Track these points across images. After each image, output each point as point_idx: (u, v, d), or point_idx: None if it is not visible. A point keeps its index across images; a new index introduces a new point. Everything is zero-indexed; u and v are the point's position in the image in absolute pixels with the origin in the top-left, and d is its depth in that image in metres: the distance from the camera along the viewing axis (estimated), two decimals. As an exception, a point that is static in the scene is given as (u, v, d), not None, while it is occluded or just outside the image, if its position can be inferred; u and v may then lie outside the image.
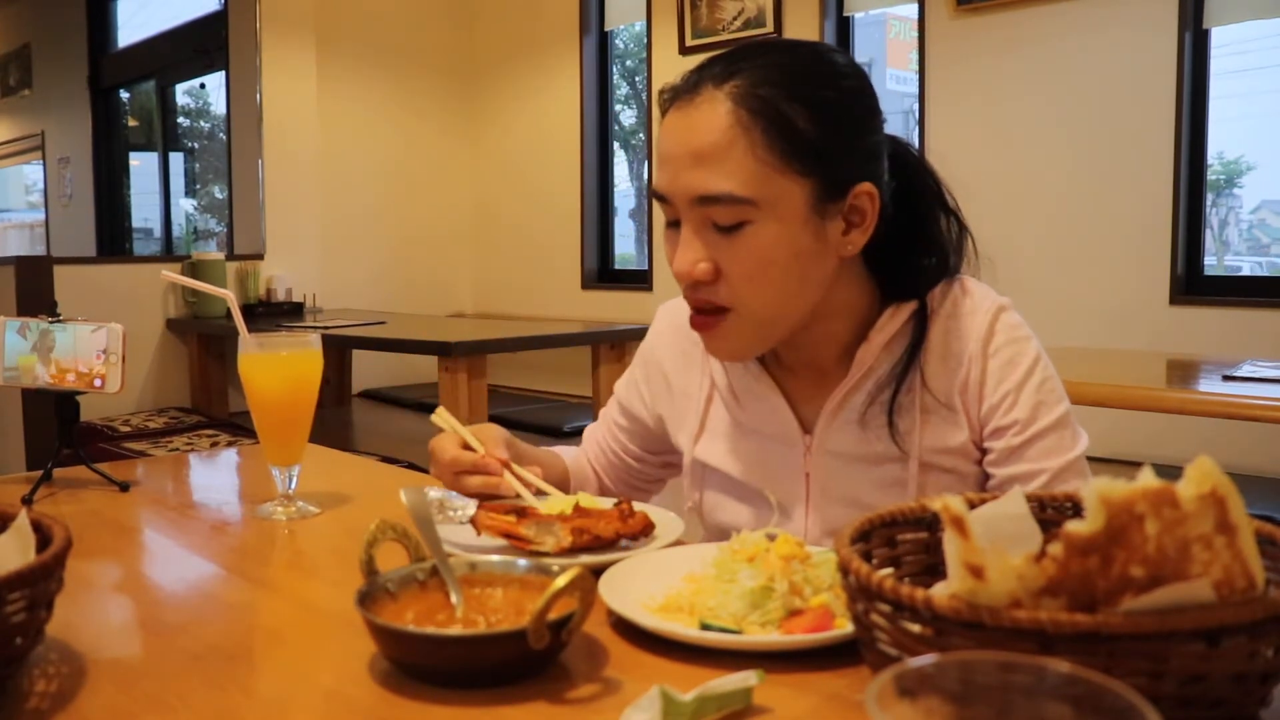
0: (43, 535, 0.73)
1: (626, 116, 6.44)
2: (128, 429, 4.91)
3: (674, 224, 1.00)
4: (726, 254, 0.95)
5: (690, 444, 1.15)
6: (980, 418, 1.02)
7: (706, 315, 0.99)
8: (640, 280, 5.81)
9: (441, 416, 1.13)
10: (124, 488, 1.25)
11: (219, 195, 7.42)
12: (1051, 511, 0.73)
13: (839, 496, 1.06)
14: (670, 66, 5.55)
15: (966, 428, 1.02)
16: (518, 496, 1.05)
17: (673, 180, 0.96)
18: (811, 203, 0.95)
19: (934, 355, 1.03)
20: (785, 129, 0.93)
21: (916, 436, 1.02)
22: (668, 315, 1.22)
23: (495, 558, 0.81)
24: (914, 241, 1.05)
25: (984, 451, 1.03)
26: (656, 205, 1.01)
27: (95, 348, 1.25)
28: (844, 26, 4.96)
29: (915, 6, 4.56)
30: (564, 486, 1.27)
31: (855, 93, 0.98)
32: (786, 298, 0.98)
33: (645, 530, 0.95)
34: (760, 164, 0.92)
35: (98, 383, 1.25)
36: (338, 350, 5.56)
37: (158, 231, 7.90)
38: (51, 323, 1.26)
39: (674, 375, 1.18)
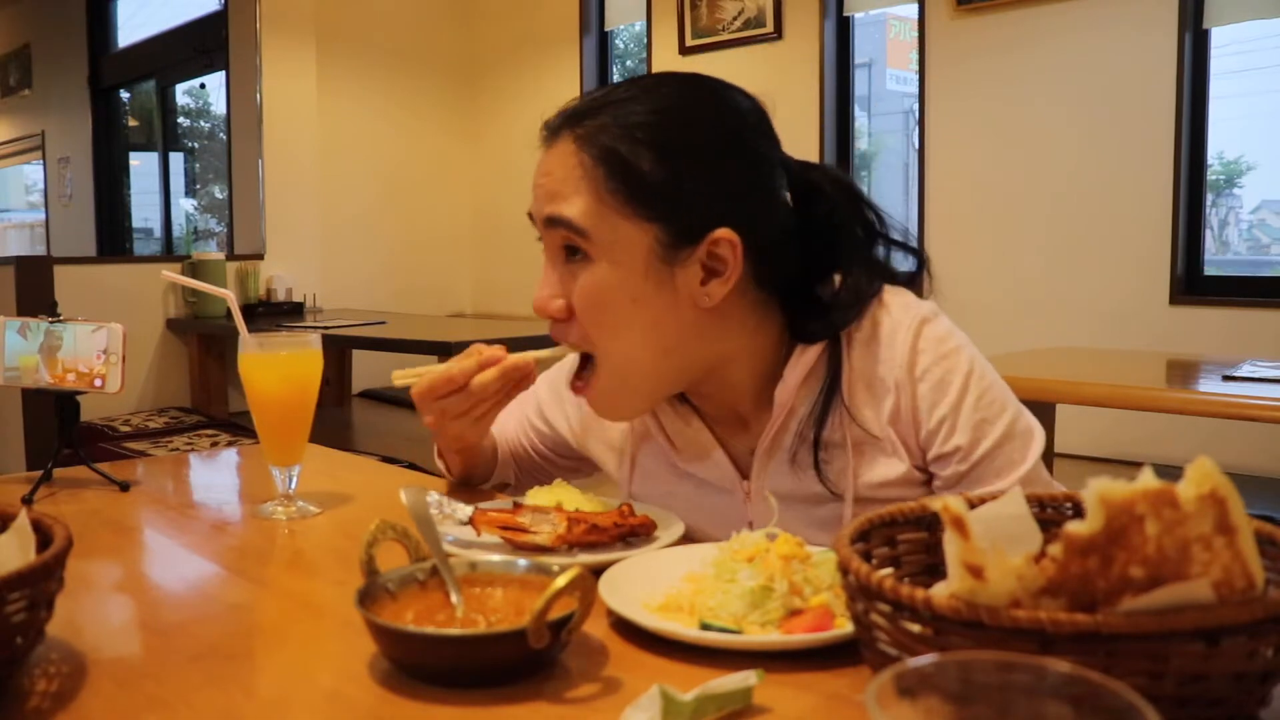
0: (43, 535, 0.73)
1: (626, 116, 6.44)
2: (128, 429, 4.91)
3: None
4: (573, 289, 0.96)
5: (626, 484, 1.13)
6: (920, 444, 0.97)
7: (579, 378, 1.00)
8: (640, 280, 5.81)
9: (403, 376, 1.08)
10: (124, 487, 1.25)
11: (219, 195, 7.42)
12: (1051, 511, 0.73)
13: None
14: (670, 66, 5.55)
15: (905, 458, 0.97)
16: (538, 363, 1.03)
17: (534, 202, 0.98)
18: (655, 250, 0.92)
19: (859, 384, 0.98)
20: (626, 174, 0.92)
21: (850, 474, 0.98)
22: None
23: (495, 557, 0.81)
24: (824, 276, 1.01)
25: (931, 475, 0.99)
26: None
27: (95, 348, 1.25)
28: (844, 26, 4.96)
29: (915, 6, 4.57)
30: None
31: (724, 134, 0.95)
32: (638, 347, 0.95)
33: (646, 526, 0.95)
34: (601, 205, 0.92)
35: (98, 383, 1.25)
36: (338, 350, 5.56)
37: (158, 231, 7.91)
38: (52, 323, 1.26)
39: None
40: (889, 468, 0.98)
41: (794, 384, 0.98)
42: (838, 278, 1.02)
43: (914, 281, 1.04)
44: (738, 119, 0.97)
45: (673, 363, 0.97)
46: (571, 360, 1.07)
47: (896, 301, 1.00)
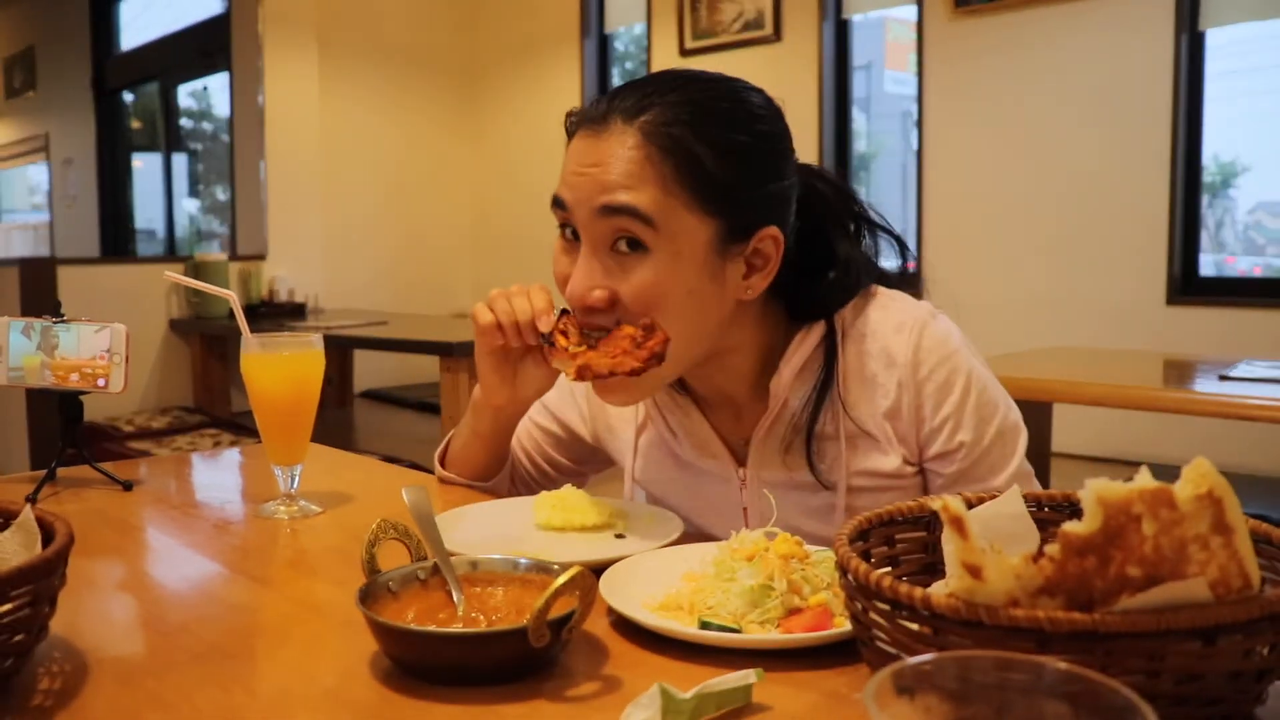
0: (44, 532, 0.73)
1: (627, 118, 6.43)
2: (131, 429, 4.92)
3: (565, 227, 0.98)
4: (622, 281, 0.93)
5: (629, 471, 1.15)
6: (919, 441, 1.00)
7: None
8: (641, 281, 5.81)
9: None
10: (127, 487, 1.25)
11: (222, 196, 7.42)
12: (1049, 511, 0.73)
13: (778, 527, 1.05)
14: (671, 68, 5.55)
15: (900, 452, 1.00)
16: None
17: (575, 189, 0.94)
18: (713, 244, 0.93)
19: (852, 380, 1.01)
20: (694, 169, 0.91)
21: (843, 466, 1.00)
22: None
23: (496, 556, 0.81)
24: (818, 265, 1.02)
25: (923, 470, 1.02)
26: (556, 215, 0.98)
27: (99, 348, 1.25)
28: (842, 28, 4.96)
29: (914, 8, 4.57)
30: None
31: (768, 136, 0.97)
32: (679, 338, 0.94)
33: (662, 346, 0.92)
34: (669, 197, 0.91)
35: (101, 383, 1.25)
36: (340, 350, 5.56)
37: (161, 232, 7.91)
38: (55, 323, 1.26)
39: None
40: (881, 460, 1.01)
41: (788, 377, 1.01)
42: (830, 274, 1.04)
43: (904, 279, 1.08)
44: (780, 121, 0.99)
45: (696, 353, 0.98)
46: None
47: (895, 302, 1.02)
